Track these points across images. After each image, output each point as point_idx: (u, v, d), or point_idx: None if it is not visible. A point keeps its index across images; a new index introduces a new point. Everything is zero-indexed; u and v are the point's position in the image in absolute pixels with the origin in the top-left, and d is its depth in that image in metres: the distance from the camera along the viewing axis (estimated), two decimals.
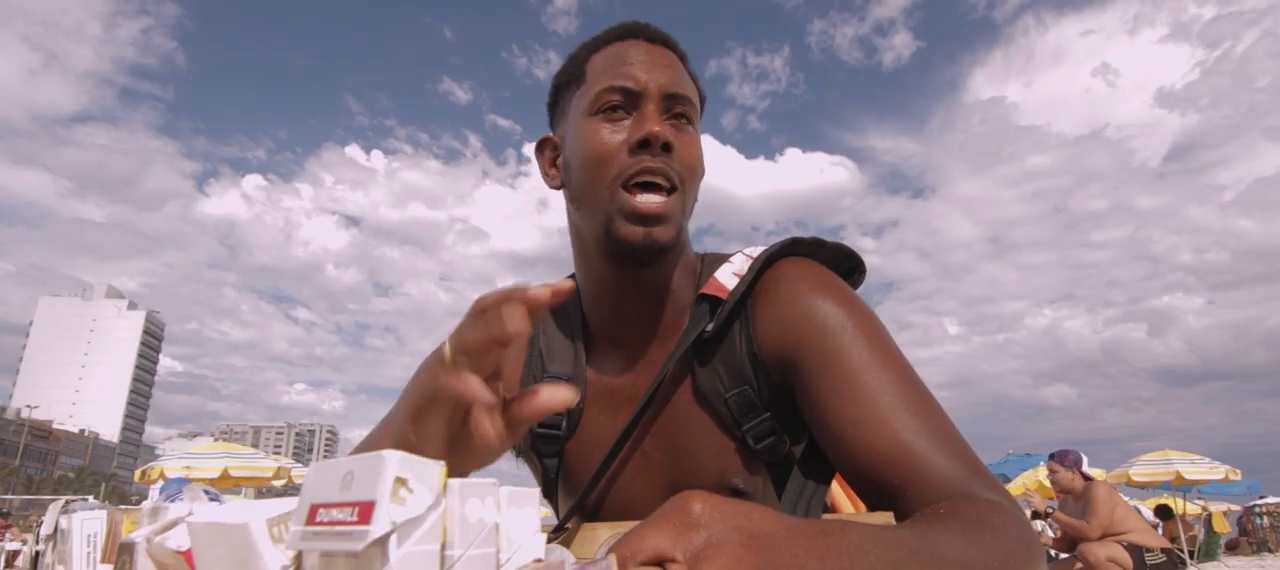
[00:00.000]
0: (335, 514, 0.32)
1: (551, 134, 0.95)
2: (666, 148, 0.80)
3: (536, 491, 0.37)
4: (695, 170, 0.84)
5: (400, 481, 0.31)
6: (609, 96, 0.82)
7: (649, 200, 0.79)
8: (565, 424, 0.90)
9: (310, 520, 0.34)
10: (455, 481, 0.33)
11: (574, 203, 0.88)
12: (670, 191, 0.80)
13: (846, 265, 0.90)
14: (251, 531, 0.40)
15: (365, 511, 0.30)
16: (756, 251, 0.87)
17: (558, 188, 0.92)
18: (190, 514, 0.66)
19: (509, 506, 0.35)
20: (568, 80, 0.91)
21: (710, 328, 0.83)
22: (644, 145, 0.80)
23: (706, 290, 0.85)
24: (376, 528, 0.29)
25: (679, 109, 0.84)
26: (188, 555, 0.57)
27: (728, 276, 0.85)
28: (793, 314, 0.80)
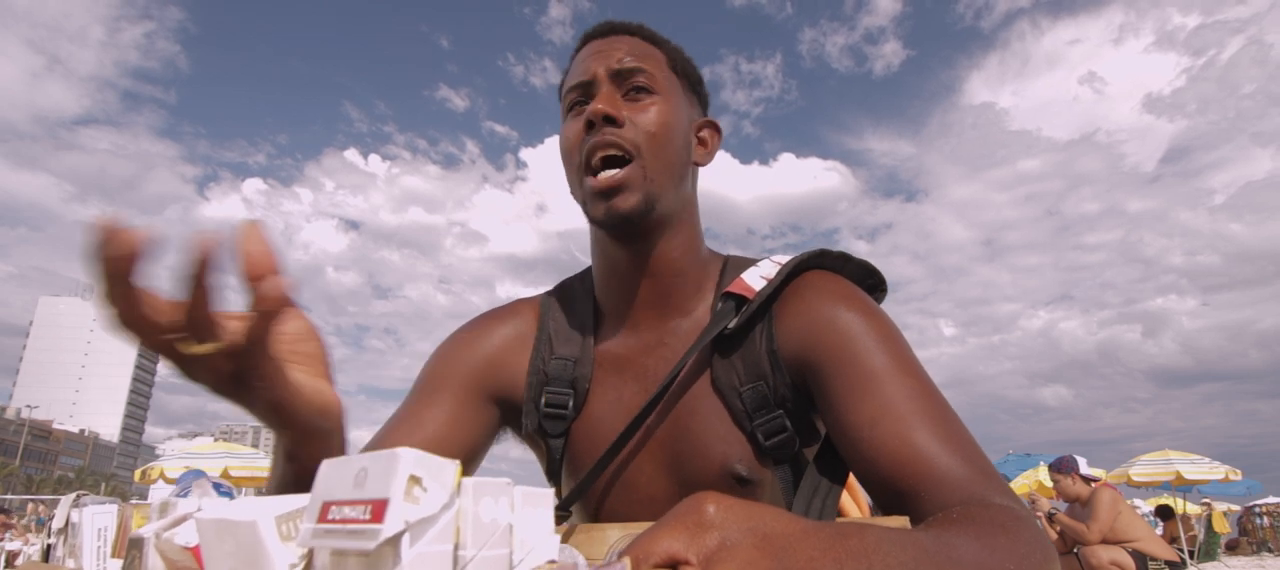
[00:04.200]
0: (347, 511, 0.32)
1: None
2: (609, 120, 0.83)
3: (551, 492, 0.37)
4: (655, 135, 0.86)
5: (414, 480, 0.30)
6: (571, 95, 0.90)
7: (604, 176, 0.83)
8: (572, 404, 0.91)
9: (322, 517, 0.34)
10: (469, 481, 0.32)
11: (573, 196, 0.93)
12: (626, 161, 0.84)
13: (870, 282, 0.93)
14: (260, 529, 0.39)
15: (378, 510, 0.30)
16: (784, 259, 0.90)
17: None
18: (199, 509, 0.66)
19: (523, 506, 0.35)
20: (559, 98, 0.97)
21: (733, 324, 0.85)
22: (589, 127, 0.84)
23: (732, 289, 0.88)
24: (389, 527, 0.29)
25: (633, 82, 0.87)
26: (196, 552, 0.56)
27: (755, 279, 0.88)
28: (816, 319, 0.82)
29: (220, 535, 0.43)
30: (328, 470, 0.35)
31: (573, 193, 0.90)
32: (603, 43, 0.91)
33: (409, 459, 0.31)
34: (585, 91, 0.88)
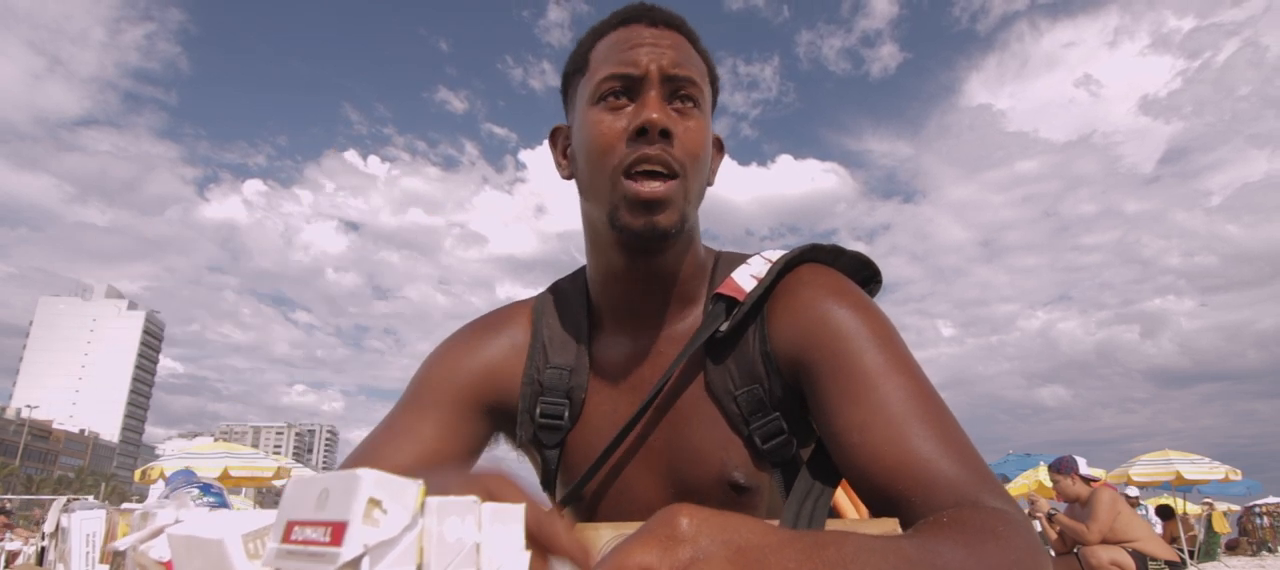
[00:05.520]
0: (309, 532, 0.31)
1: (564, 123, 0.94)
2: (665, 135, 0.78)
3: (521, 508, 0.36)
4: (698, 157, 0.82)
5: (374, 502, 0.30)
6: (609, 84, 0.81)
7: (650, 187, 0.78)
8: (567, 413, 0.89)
9: (286, 537, 0.33)
10: (434, 500, 0.32)
11: (582, 192, 0.88)
12: (671, 177, 0.79)
13: (864, 274, 0.89)
14: (226, 547, 0.39)
15: (337, 532, 0.29)
16: (775, 255, 0.87)
17: (568, 177, 0.91)
18: (176, 522, 0.65)
19: (491, 524, 0.34)
20: (574, 68, 0.90)
21: (724, 327, 0.83)
22: (641, 133, 0.78)
23: (723, 290, 0.84)
24: (348, 550, 0.28)
25: (683, 91, 0.82)
26: (170, 566, 0.56)
27: (745, 278, 0.84)
28: (808, 317, 0.79)
29: (190, 552, 0.42)
30: (293, 489, 0.34)
31: (592, 189, 0.84)
32: (653, 33, 0.83)
33: (370, 481, 0.30)
34: (630, 85, 0.81)
